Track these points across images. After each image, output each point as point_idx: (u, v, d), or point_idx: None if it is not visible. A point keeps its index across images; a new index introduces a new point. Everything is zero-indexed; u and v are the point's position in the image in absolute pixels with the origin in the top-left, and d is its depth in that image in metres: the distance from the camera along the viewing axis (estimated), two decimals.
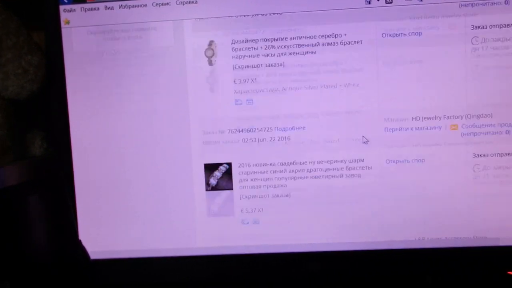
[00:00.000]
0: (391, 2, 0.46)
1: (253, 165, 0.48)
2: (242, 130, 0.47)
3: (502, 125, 0.46)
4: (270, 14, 0.46)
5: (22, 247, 0.49)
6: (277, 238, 0.48)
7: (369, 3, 0.46)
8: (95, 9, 0.47)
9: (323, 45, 0.46)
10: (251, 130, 0.47)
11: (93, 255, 0.49)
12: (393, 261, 0.48)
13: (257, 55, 0.47)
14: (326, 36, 0.46)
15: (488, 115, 0.46)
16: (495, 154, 0.46)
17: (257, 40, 0.47)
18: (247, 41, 0.47)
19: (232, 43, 0.47)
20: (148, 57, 0.47)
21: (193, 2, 0.47)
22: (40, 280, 0.50)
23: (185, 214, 0.48)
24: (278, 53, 0.47)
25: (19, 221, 0.48)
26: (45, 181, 0.50)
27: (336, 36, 0.46)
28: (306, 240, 0.48)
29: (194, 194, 0.48)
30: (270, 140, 0.47)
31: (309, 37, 0.46)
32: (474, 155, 0.46)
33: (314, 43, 0.46)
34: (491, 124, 0.46)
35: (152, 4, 0.47)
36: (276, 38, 0.46)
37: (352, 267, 0.49)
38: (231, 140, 0.47)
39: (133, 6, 0.47)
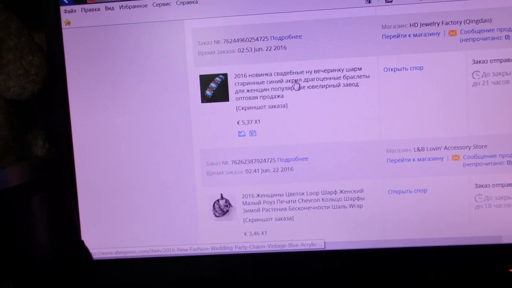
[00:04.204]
0: (391, 1, 0.46)
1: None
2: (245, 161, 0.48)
3: (503, 155, 0.46)
4: (274, 48, 0.47)
5: (25, 247, 0.49)
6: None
7: (370, 2, 0.46)
8: (95, 9, 0.48)
9: (328, 79, 0.47)
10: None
11: (95, 255, 0.49)
12: (395, 259, 0.48)
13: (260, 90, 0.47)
14: (329, 71, 0.46)
15: (489, 146, 0.46)
16: (496, 184, 0.46)
17: (259, 74, 0.47)
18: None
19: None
20: (149, 57, 0.47)
21: (193, 2, 0.47)
22: (42, 279, 0.50)
23: (187, 213, 0.49)
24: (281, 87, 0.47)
25: (21, 221, 0.49)
26: (47, 181, 0.50)
27: (340, 70, 0.47)
28: (309, 239, 0.49)
29: (196, 192, 0.48)
30: (274, 171, 0.48)
31: (315, 71, 0.47)
32: (476, 186, 0.47)
33: (320, 78, 0.47)
34: (492, 155, 0.46)
35: (153, 4, 0.47)
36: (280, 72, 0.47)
37: (354, 265, 0.49)
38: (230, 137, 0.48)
39: (134, 7, 0.47)
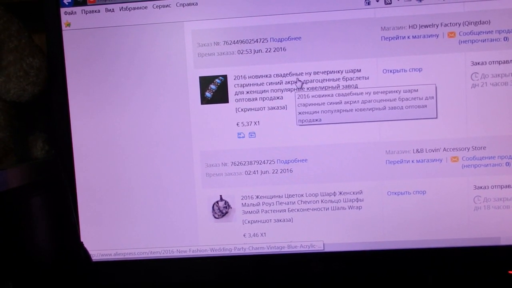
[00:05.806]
0: (390, 3, 0.46)
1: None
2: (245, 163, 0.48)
3: (502, 157, 0.46)
4: (274, 50, 0.47)
5: (25, 248, 0.49)
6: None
7: (369, 4, 0.46)
8: (95, 11, 0.48)
9: (328, 80, 0.47)
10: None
11: (94, 257, 0.49)
12: (394, 261, 0.48)
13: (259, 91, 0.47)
14: (328, 73, 0.47)
15: (488, 148, 0.46)
16: (495, 186, 0.47)
17: (259, 76, 0.47)
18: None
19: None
20: (148, 59, 0.48)
21: (193, 4, 0.47)
22: (42, 281, 0.50)
23: (186, 215, 0.49)
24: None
25: (21, 223, 0.49)
26: (47, 183, 0.50)
27: (339, 72, 0.47)
28: (308, 240, 0.49)
29: (195, 194, 0.48)
30: (273, 172, 0.48)
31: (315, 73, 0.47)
32: (475, 187, 0.47)
33: (319, 79, 0.47)
34: (491, 157, 0.46)
35: (153, 6, 0.47)
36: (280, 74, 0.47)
37: (353, 267, 0.49)
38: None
39: (134, 8, 0.47)
